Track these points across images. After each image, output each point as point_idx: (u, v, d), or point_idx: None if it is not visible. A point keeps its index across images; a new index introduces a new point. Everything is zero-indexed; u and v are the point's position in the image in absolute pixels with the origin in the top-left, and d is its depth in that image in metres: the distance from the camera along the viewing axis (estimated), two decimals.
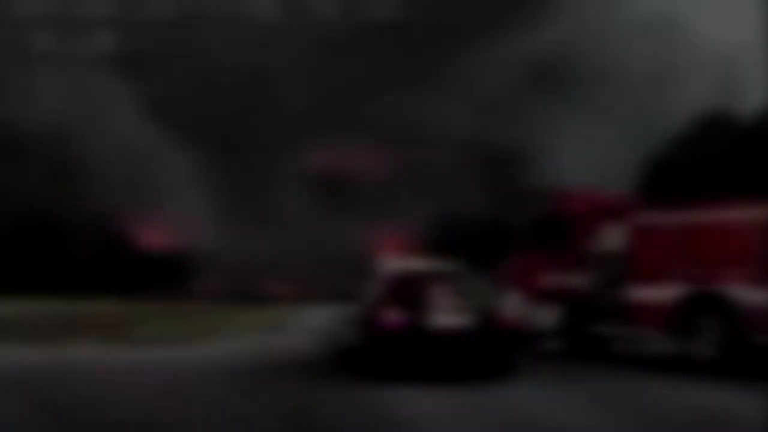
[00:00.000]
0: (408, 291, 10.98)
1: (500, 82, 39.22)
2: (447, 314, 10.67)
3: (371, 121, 39.35)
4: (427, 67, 40.01)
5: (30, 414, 8.42)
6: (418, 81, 39.60)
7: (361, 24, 40.21)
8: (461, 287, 11.17)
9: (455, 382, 10.36)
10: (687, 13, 38.20)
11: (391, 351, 10.67)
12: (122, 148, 40.81)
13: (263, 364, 12.79)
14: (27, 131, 40.02)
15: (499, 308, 11.01)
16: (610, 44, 38.75)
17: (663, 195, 19.92)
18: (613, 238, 13.42)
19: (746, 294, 10.91)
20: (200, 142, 40.62)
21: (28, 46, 41.63)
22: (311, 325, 20.86)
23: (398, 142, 39.73)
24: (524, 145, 38.29)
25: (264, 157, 41.55)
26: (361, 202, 40.12)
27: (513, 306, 11.32)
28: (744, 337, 10.92)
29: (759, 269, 10.84)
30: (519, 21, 39.67)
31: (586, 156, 34.18)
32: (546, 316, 14.36)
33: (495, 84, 39.25)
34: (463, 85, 39.72)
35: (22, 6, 42.37)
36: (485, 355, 10.87)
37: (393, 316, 10.59)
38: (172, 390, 9.94)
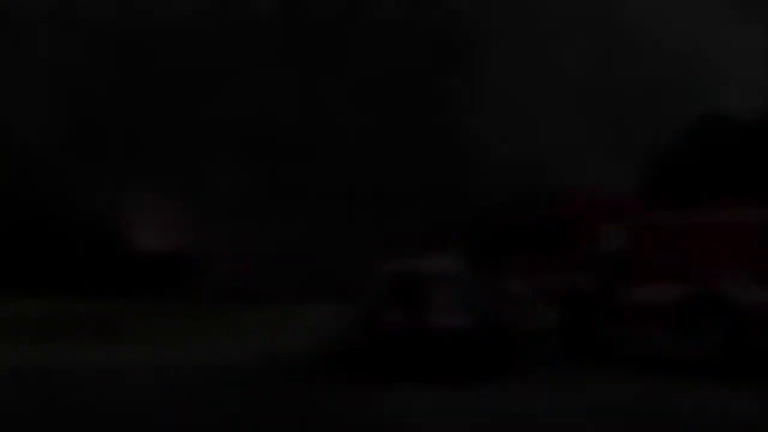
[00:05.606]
0: (408, 291, 10.96)
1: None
2: (447, 314, 10.65)
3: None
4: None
5: (29, 413, 8.40)
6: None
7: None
8: (461, 287, 11.15)
9: (455, 382, 10.34)
10: None
11: (391, 351, 10.65)
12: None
13: (262, 363, 12.77)
14: None
15: (499, 308, 10.99)
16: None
17: (663, 195, 19.91)
18: (613, 238, 13.39)
19: (746, 294, 10.90)
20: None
21: None
22: (311, 325, 20.80)
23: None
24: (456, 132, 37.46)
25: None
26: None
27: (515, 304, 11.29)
28: (744, 337, 10.91)
29: (759, 269, 10.83)
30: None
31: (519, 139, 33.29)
32: (546, 317, 14.32)
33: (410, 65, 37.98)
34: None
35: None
36: (485, 355, 10.85)
37: (393, 316, 10.57)
38: (171, 390, 9.91)
